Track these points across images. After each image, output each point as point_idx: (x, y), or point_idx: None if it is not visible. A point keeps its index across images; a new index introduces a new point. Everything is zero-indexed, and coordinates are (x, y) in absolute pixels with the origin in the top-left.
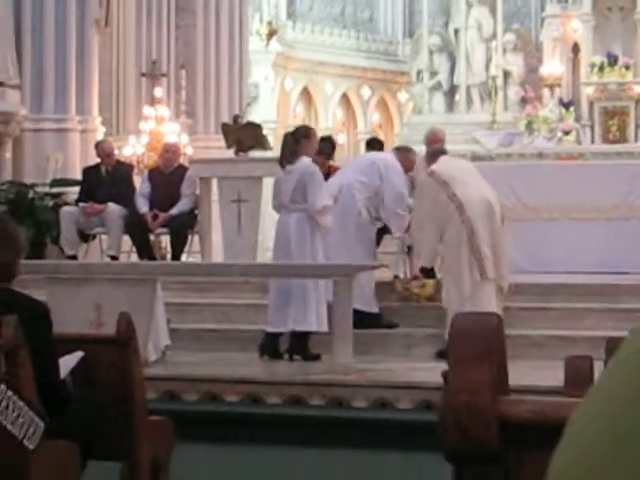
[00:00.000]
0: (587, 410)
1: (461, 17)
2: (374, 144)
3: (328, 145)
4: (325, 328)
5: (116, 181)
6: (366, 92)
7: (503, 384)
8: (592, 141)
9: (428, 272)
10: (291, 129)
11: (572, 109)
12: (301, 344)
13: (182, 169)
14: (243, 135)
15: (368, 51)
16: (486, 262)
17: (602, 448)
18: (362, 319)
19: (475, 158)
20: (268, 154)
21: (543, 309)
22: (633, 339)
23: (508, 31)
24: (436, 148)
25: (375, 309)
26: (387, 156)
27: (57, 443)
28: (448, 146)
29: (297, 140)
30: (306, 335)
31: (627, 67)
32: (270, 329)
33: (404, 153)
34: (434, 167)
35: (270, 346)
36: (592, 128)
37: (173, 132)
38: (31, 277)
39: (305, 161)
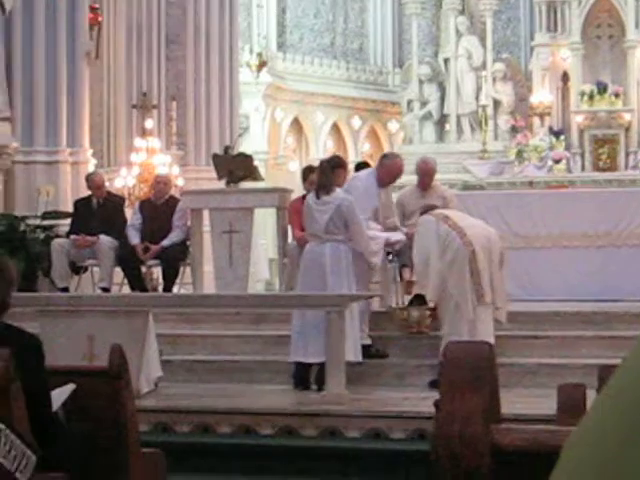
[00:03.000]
0: (581, 434)
1: (451, 46)
2: (363, 168)
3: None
4: (360, 358)
5: (107, 213)
6: (356, 122)
7: (495, 413)
8: (582, 169)
9: (421, 300)
10: (284, 160)
11: (562, 137)
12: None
13: (173, 200)
14: (234, 166)
15: (358, 81)
16: (484, 286)
17: (613, 443)
18: None
19: (466, 187)
20: (259, 185)
21: (535, 337)
22: (627, 365)
23: (498, 60)
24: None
25: (367, 340)
26: (355, 177)
27: (50, 476)
28: (439, 176)
29: (333, 169)
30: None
31: (617, 95)
32: (303, 359)
33: (381, 161)
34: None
35: (304, 377)
36: (582, 156)
37: (164, 164)
38: (23, 310)
39: (340, 193)
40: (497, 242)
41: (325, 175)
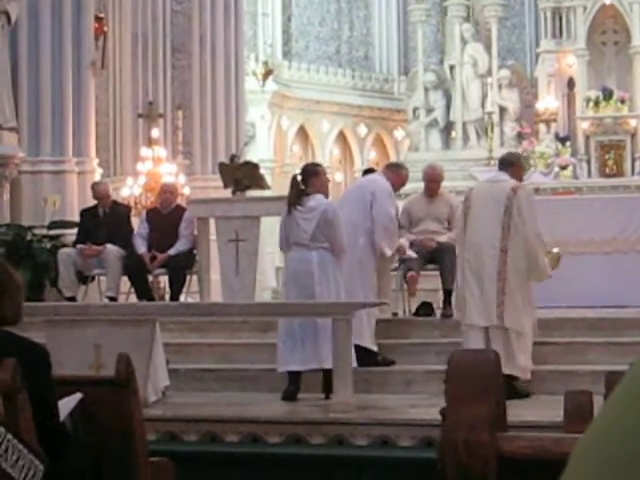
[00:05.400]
0: (588, 442)
1: (456, 54)
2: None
3: None
4: (354, 364)
5: (114, 222)
6: (362, 130)
7: (501, 420)
8: (589, 175)
9: (428, 307)
10: (290, 168)
11: (568, 144)
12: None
13: (180, 209)
14: (240, 175)
15: (364, 89)
16: (467, 305)
17: (621, 448)
18: (359, 356)
19: None
20: (266, 193)
21: (543, 344)
22: (633, 371)
23: (503, 67)
24: (515, 155)
25: (373, 347)
26: (374, 178)
27: None
28: (445, 183)
29: (305, 180)
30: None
31: (622, 101)
32: (298, 368)
33: (394, 170)
34: (475, 188)
35: (297, 387)
36: (589, 162)
37: (170, 173)
38: (30, 319)
39: (322, 199)
40: (492, 250)
41: (293, 188)
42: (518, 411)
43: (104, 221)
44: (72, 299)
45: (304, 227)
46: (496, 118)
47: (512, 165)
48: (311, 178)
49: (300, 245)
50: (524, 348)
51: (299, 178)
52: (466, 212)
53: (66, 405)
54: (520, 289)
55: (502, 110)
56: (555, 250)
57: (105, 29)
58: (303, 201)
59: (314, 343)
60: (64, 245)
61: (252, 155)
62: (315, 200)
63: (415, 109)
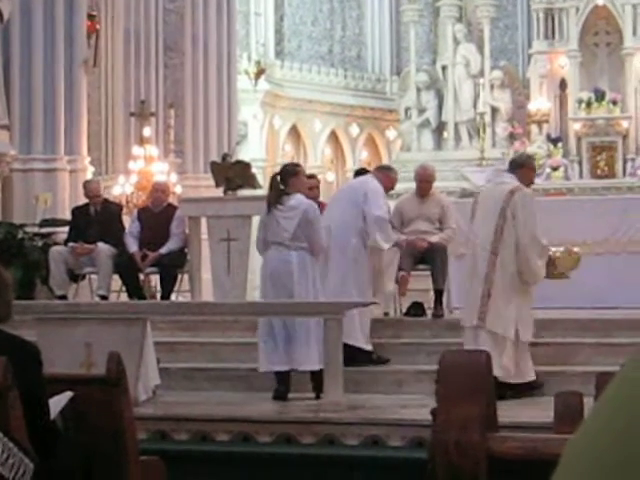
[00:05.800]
0: (578, 443)
1: (448, 54)
2: (363, 174)
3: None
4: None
5: (105, 221)
6: (354, 130)
7: (492, 421)
8: (580, 176)
9: (419, 307)
10: (278, 169)
11: (560, 145)
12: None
13: (171, 208)
14: (232, 174)
15: (356, 89)
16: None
17: (609, 449)
18: (353, 355)
19: (464, 195)
20: (257, 193)
21: (533, 345)
22: (624, 371)
23: (495, 68)
24: (525, 157)
25: (368, 346)
26: (365, 179)
27: None
28: (437, 183)
29: (284, 180)
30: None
31: (614, 102)
32: (282, 368)
33: (385, 172)
34: (486, 185)
35: (287, 387)
36: (580, 163)
37: (162, 171)
38: (21, 318)
39: (303, 199)
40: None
41: (273, 188)
42: (509, 412)
43: (95, 219)
44: (63, 297)
45: (285, 226)
46: (488, 119)
47: (521, 167)
48: (290, 178)
49: (280, 245)
50: (507, 350)
51: (278, 178)
52: (473, 214)
53: (57, 403)
54: (506, 292)
55: (494, 111)
56: (575, 249)
57: (97, 27)
58: (283, 200)
59: (290, 344)
60: (55, 243)
61: (244, 154)
62: (296, 199)
63: (407, 109)
